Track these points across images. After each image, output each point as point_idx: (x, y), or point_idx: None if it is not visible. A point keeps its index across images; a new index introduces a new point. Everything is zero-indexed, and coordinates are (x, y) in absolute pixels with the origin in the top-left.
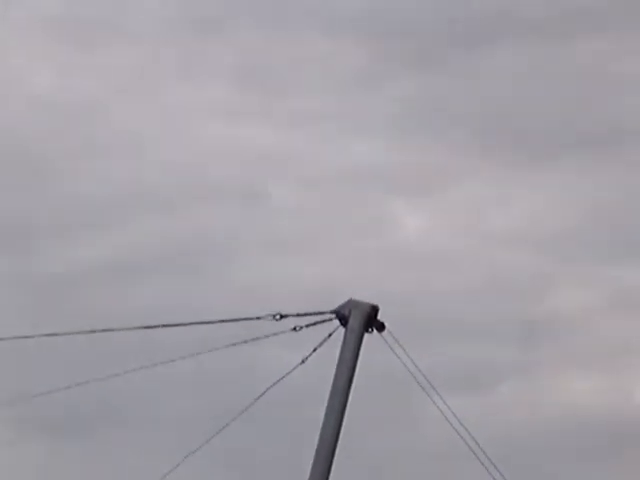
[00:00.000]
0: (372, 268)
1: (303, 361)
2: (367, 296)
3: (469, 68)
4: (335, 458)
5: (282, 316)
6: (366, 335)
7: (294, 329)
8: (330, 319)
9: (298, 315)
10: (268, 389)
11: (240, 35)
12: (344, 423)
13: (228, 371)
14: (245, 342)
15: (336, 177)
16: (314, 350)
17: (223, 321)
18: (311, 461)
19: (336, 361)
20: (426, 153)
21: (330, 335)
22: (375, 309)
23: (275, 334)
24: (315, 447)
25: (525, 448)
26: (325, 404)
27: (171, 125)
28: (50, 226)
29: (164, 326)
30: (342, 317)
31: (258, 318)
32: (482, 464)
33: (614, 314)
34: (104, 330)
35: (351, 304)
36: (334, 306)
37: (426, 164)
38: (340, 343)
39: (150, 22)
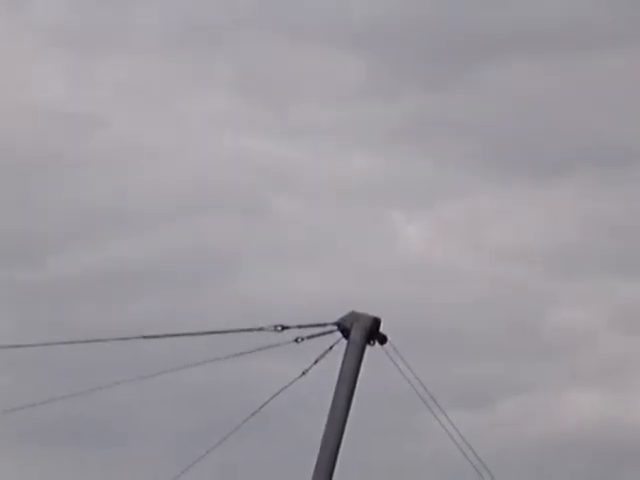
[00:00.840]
0: (374, 281)
1: (304, 373)
2: (369, 308)
3: (470, 84)
4: (336, 470)
5: (284, 327)
6: (368, 348)
7: (296, 340)
8: (332, 331)
9: (300, 327)
10: (269, 401)
11: (242, 47)
12: (345, 435)
13: (229, 382)
14: (247, 353)
15: (337, 190)
16: (315, 362)
17: (225, 332)
18: (312, 473)
19: (337, 373)
20: (427, 167)
21: (332, 347)
22: (377, 322)
23: (277, 345)
24: (316, 459)
25: (527, 464)
26: (326, 416)
27: (172, 137)
28: (44, 236)
29: (164, 336)
30: (344, 329)
31: (260, 329)
32: (481, 475)
33: (615, 330)
34: (105, 340)
35: (353, 316)
36: (336, 318)
37: (427, 178)
38: (342, 355)
39: (152, 34)
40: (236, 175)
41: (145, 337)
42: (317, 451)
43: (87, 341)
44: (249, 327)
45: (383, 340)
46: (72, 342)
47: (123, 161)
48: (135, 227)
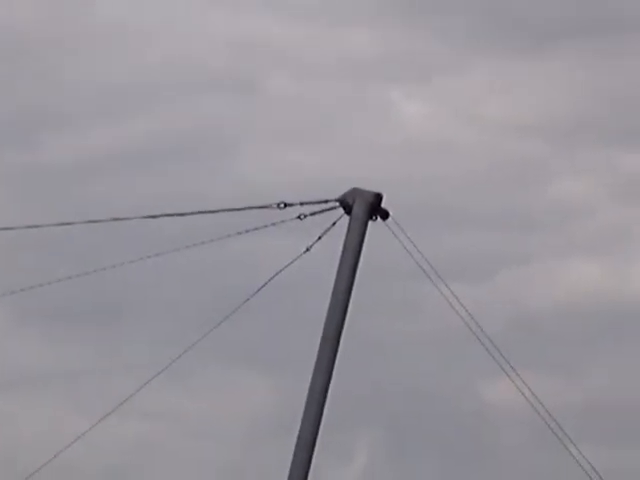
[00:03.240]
0: (374, 157)
1: (308, 249)
2: (370, 185)
3: None
4: (341, 343)
5: (286, 205)
6: (370, 223)
7: (299, 217)
8: (334, 207)
9: (302, 204)
10: (273, 277)
11: None
12: (349, 309)
13: (232, 260)
14: (250, 231)
15: (336, 66)
16: (319, 238)
17: (228, 210)
18: (317, 347)
19: (340, 250)
20: (426, 41)
21: (334, 223)
22: (379, 197)
23: (280, 222)
24: (321, 334)
25: (529, 332)
26: (330, 292)
27: (170, 16)
28: (54, 117)
29: (167, 215)
30: (346, 205)
31: (262, 207)
32: (486, 348)
33: (615, 201)
34: (106, 220)
35: (355, 192)
36: (338, 195)
37: (426, 52)
38: (344, 231)
39: None
40: (234, 54)
41: (150, 217)
42: (322, 326)
43: (91, 221)
44: (252, 205)
45: (385, 215)
46: (76, 223)
47: (122, 42)
48: (134, 108)
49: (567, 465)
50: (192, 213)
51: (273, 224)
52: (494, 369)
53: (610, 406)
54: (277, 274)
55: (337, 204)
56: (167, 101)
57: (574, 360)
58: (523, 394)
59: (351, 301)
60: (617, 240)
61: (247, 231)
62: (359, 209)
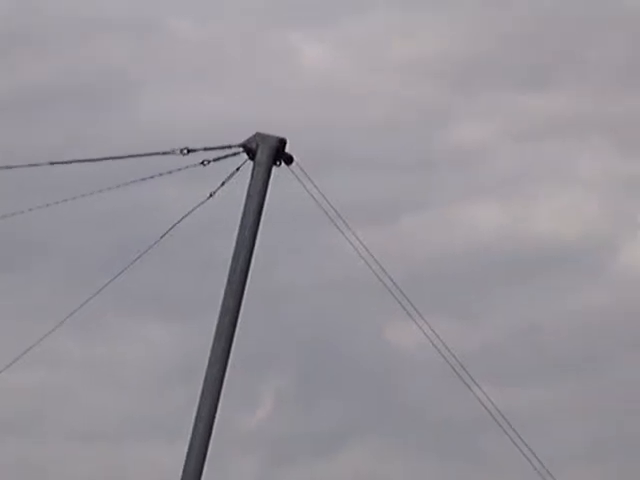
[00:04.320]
0: (278, 101)
1: (211, 195)
2: (274, 129)
3: None
4: (246, 290)
5: (189, 150)
6: (274, 168)
7: (202, 163)
8: (238, 153)
9: (206, 149)
10: (176, 224)
11: None
12: (254, 256)
13: (136, 207)
14: (153, 177)
15: (239, 8)
16: (222, 184)
17: (130, 156)
18: (222, 294)
19: (245, 196)
20: None
21: (238, 169)
22: (283, 142)
23: (183, 169)
24: (226, 280)
25: (432, 277)
26: (235, 238)
27: None
28: None
29: (71, 162)
30: (250, 150)
31: (166, 153)
32: (391, 293)
33: (517, 143)
34: (7, 167)
35: (258, 137)
36: (241, 140)
37: None
38: (248, 177)
39: None
40: None
41: (52, 163)
42: (227, 272)
43: None
44: (154, 151)
45: (289, 160)
46: None
47: None
48: (35, 50)
49: (471, 406)
50: (94, 160)
51: (176, 170)
52: (399, 314)
53: (511, 348)
54: (180, 220)
55: (241, 149)
56: (68, 43)
57: (477, 304)
58: (428, 338)
59: (256, 247)
60: (518, 183)
61: (150, 177)
62: (263, 154)
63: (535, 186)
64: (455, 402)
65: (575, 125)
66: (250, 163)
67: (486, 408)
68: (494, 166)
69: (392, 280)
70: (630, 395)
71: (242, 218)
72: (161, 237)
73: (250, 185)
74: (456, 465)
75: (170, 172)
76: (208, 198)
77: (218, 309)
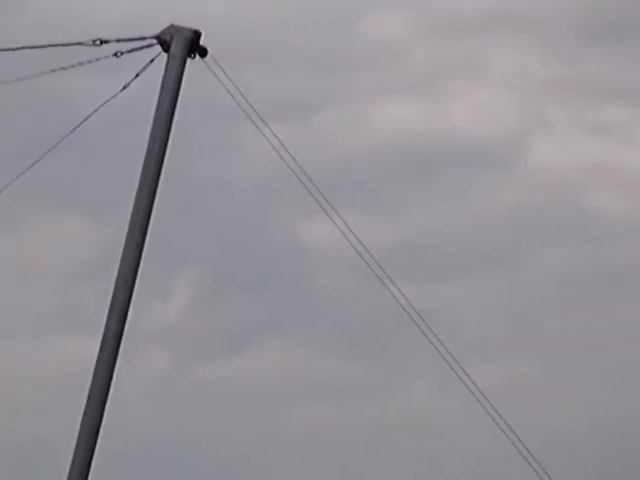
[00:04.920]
0: None
1: (125, 87)
2: (189, 22)
3: None
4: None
5: (102, 42)
6: (189, 62)
7: (115, 55)
8: (152, 45)
9: (119, 41)
10: (89, 116)
11: None
12: (169, 150)
13: (48, 99)
14: (67, 68)
15: None
16: (136, 76)
17: (42, 47)
18: (136, 187)
19: (159, 88)
20: None
21: (152, 61)
22: (197, 34)
23: (96, 60)
24: (140, 174)
25: (348, 173)
26: (149, 132)
27: None
28: None
29: None
30: (164, 42)
31: (78, 44)
32: (306, 188)
33: (433, 40)
34: None
35: (173, 29)
36: (156, 32)
37: None
38: (163, 70)
39: None
40: None
41: None
42: (140, 166)
43: None
44: (67, 42)
45: (203, 53)
46: None
47: None
48: None
49: (385, 304)
50: (3, 50)
51: (89, 62)
52: (314, 210)
53: (426, 245)
54: (93, 113)
55: (155, 41)
56: None
57: (391, 200)
58: (343, 233)
59: (170, 142)
60: (433, 81)
61: (62, 68)
62: (177, 46)
63: (449, 83)
64: (369, 300)
65: (491, 23)
66: (165, 55)
67: (400, 305)
68: (409, 64)
69: (307, 175)
70: (543, 288)
71: (156, 111)
72: (73, 130)
73: (164, 78)
74: (368, 361)
75: (82, 63)
76: (121, 90)
77: (132, 203)
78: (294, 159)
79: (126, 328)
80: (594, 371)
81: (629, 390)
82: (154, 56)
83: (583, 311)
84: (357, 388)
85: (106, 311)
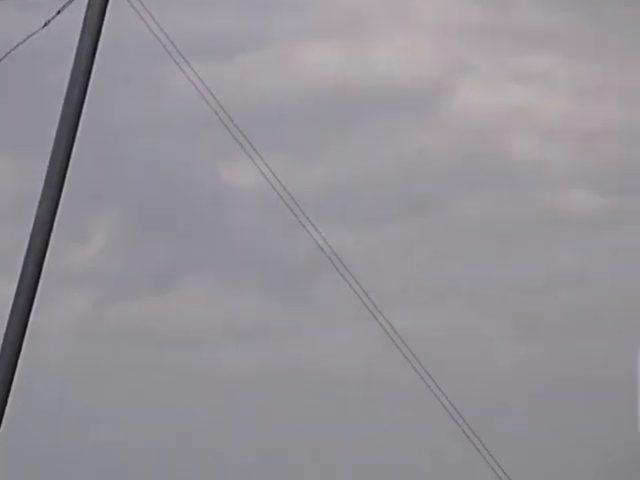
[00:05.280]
0: None
1: (46, 24)
2: None
3: None
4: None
5: None
6: (113, 2)
7: None
8: None
9: None
10: (10, 52)
11: None
12: (90, 89)
13: None
14: None
15: None
16: (58, 12)
17: None
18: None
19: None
20: None
21: None
22: None
23: None
24: (60, 113)
25: (268, 115)
26: (70, 69)
27: None
28: None
29: None
30: None
31: None
32: (227, 129)
33: None
34: None
35: None
36: None
37: None
38: (84, 8)
39: None
40: None
41: None
42: (61, 101)
43: None
44: None
45: None
46: None
47: None
48: None
49: (305, 245)
50: None
51: None
52: (235, 151)
53: (345, 188)
54: (14, 49)
55: None
56: None
57: (313, 144)
58: (263, 175)
59: (91, 81)
60: (355, 25)
61: None
62: None
63: (372, 28)
64: (290, 242)
65: None
66: None
67: (319, 246)
68: (332, 6)
69: (229, 116)
70: (471, 233)
71: (77, 50)
72: None
73: (86, 15)
74: (286, 304)
75: None
76: (43, 27)
77: (52, 143)
78: (216, 99)
79: (44, 270)
80: (505, 319)
81: (537, 332)
82: None
83: (501, 259)
84: (274, 330)
85: (24, 252)
